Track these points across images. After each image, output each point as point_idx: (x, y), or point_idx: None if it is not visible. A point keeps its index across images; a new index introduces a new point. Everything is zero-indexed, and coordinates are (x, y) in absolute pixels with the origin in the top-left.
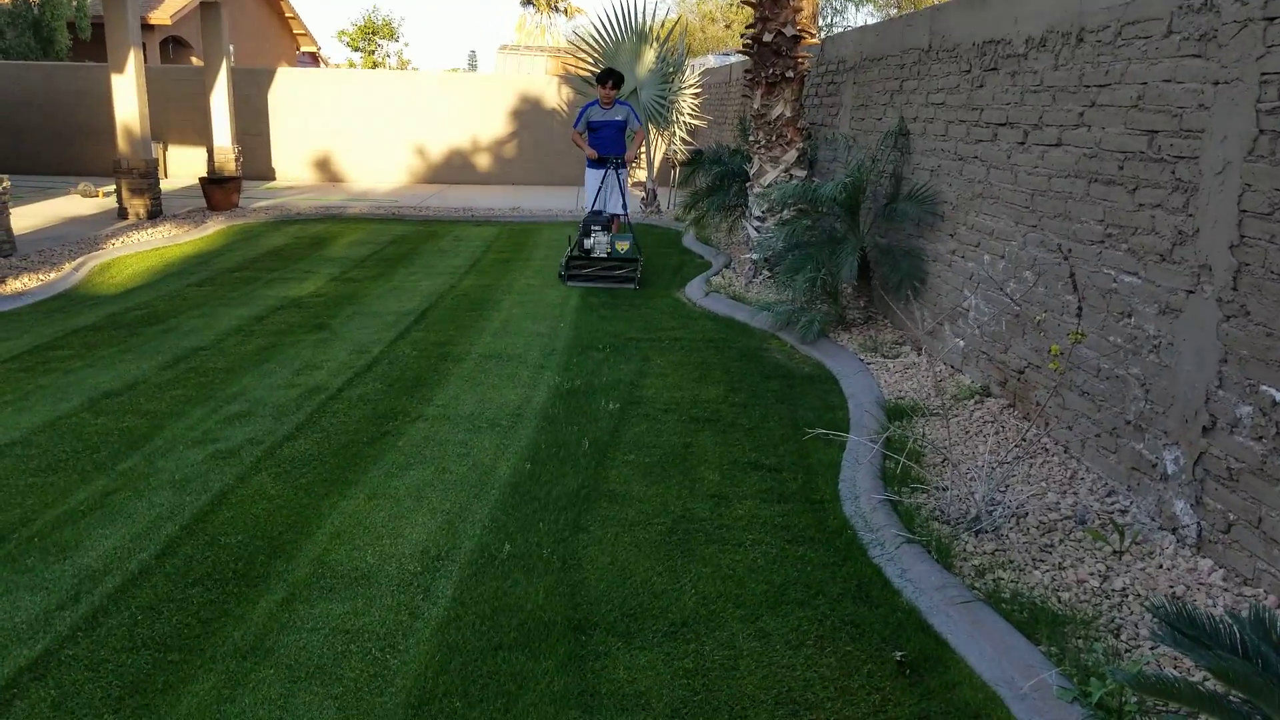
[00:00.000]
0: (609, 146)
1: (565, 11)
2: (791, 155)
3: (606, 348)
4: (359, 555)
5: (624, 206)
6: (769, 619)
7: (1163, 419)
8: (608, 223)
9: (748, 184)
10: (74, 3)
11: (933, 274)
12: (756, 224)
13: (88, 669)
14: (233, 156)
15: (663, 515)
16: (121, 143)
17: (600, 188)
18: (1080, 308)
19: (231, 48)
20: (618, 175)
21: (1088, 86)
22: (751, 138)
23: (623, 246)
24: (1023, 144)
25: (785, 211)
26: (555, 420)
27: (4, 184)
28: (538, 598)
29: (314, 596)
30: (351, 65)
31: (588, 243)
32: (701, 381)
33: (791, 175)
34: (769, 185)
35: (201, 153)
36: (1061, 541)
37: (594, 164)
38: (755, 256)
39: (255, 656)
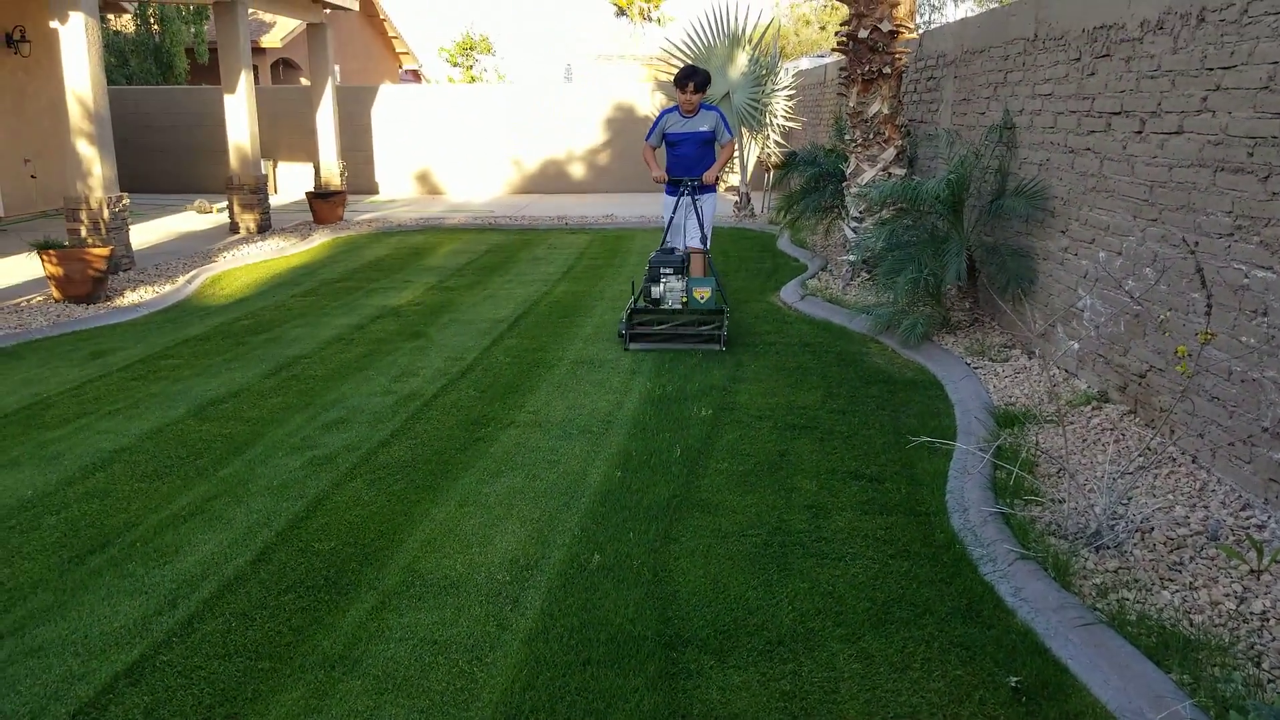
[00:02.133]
0: (690, 164)
1: (659, 21)
2: (890, 153)
3: (699, 353)
4: (448, 564)
5: (705, 240)
6: (871, 639)
7: None
8: (683, 264)
9: (844, 184)
10: (192, 30)
11: (1043, 273)
12: (854, 225)
13: (181, 675)
14: (337, 171)
15: (757, 527)
16: (233, 160)
17: (672, 217)
18: (1209, 305)
19: (337, 68)
20: (695, 202)
21: (1211, 69)
22: (848, 136)
23: (703, 295)
24: (1139, 133)
25: (884, 211)
26: (646, 427)
27: (124, 201)
28: (628, 611)
29: (403, 606)
30: (451, 81)
31: (656, 291)
32: (797, 387)
33: (890, 174)
34: (866, 184)
35: (308, 169)
36: (1192, 559)
37: (670, 188)
38: (853, 258)
39: (344, 667)
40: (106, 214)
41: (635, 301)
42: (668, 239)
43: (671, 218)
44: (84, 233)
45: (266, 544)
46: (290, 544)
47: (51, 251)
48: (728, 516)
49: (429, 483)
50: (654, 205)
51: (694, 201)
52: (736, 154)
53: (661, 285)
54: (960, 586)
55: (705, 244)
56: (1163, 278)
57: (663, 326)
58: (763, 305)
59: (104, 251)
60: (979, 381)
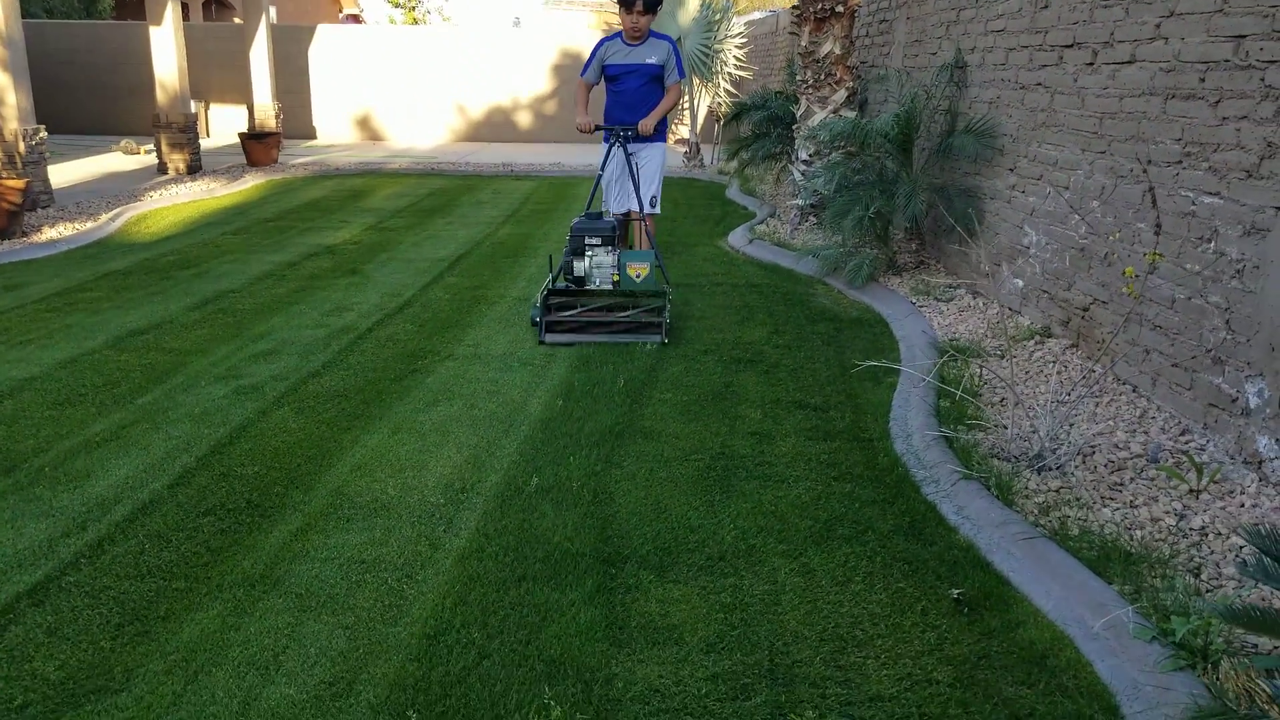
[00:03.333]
0: (633, 105)
1: None
2: (840, 95)
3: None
4: (379, 487)
5: (650, 203)
6: (814, 554)
7: (1245, 349)
8: (614, 233)
9: (794, 126)
10: None
11: (990, 212)
12: (803, 168)
13: (88, 595)
14: (273, 113)
15: (700, 452)
16: (160, 97)
17: (605, 173)
18: (1158, 226)
19: (273, 8)
20: (628, 157)
21: None
22: (799, 77)
23: (638, 272)
24: (1091, 64)
25: (833, 154)
26: (590, 360)
27: (41, 134)
28: (566, 530)
29: (330, 527)
30: (392, 22)
31: (579, 267)
32: (743, 324)
33: (840, 116)
34: (817, 126)
35: (242, 111)
36: (1133, 480)
37: (606, 136)
38: (801, 202)
39: (264, 585)
40: (22, 146)
41: (553, 281)
42: (592, 200)
43: (600, 174)
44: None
45: (185, 469)
46: (211, 469)
47: None
48: (671, 443)
49: (361, 411)
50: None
51: (627, 156)
52: (686, 104)
53: (586, 260)
54: (903, 506)
55: (650, 208)
56: (1108, 211)
57: (586, 312)
58: (710, 249)
59: (19, 184)
60: (924, 319)
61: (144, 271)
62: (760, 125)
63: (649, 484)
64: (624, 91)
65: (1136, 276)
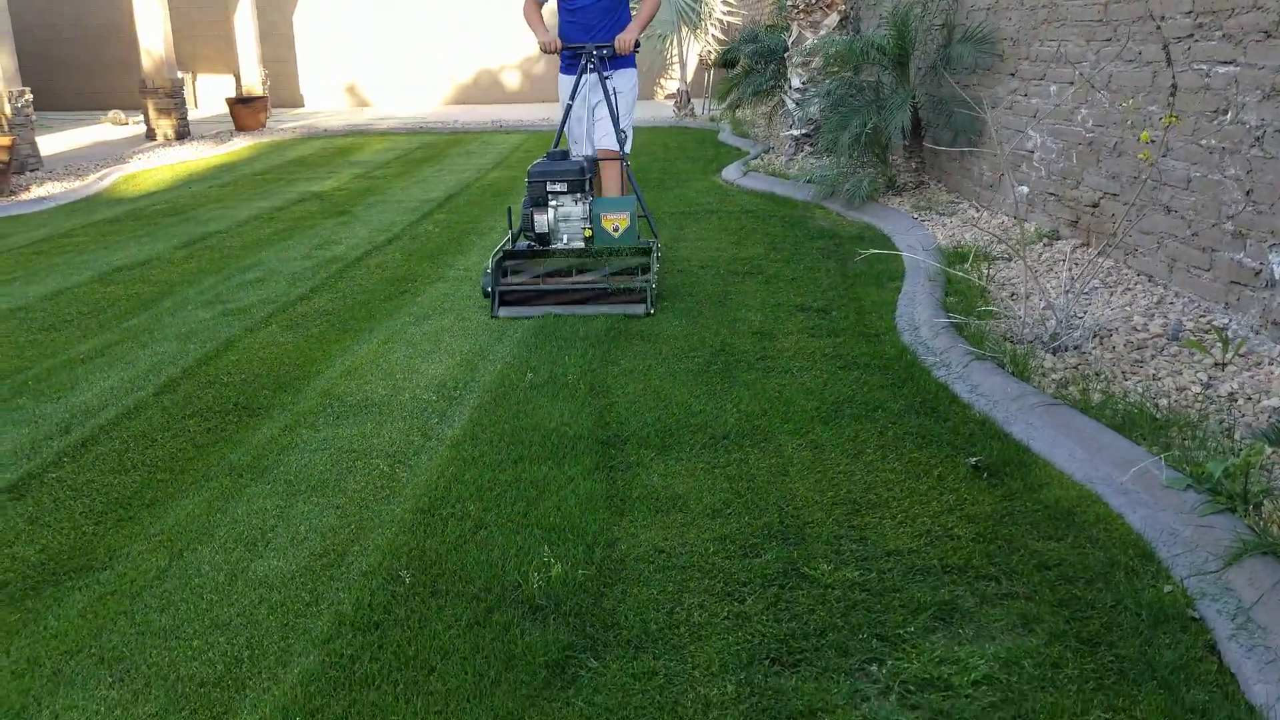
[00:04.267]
0: (592, 24)
1: None
2: (833, 18)
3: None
4: (370, 389)
5: (622, 139)
6: (821, 431)
7: (1268, 218)
8: (584, 177)
9: (786, 54)
10: None
11: (990, 122)
12: (796, 96)
13: (70, 489)
14: (259, 80)
15: (700, 350)
16: (146, 63)
17: (570, 104)
18: (1174, 85)
19: None
20: (604, 80)
21: None
22: (789, 3)
23: (617, 225)
24: None
25: (827, 81)
26: None
27: (27, 95)
28: (563, 417)
29: (319, 423)
30: None
31: (541, 221)
32: (740, 244)
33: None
34: (810, 50)
35: (228, 80)
36: (1154, 357)
37: (565, 63)
38: (796, 132)
39: (251, 474)
40: (7, 108)
41: (512, 240)
42: (560, 137)
43: (569, 105)
44: None
45: (171, 379)
46: (197, 378)
47: None
48: (669, 343)
49: (350, 326)
50: None
51: (603, 80)
52: (675, 54)
53: (550, 213)
54: (913, 389)
55: (623, 145)
56: (1115, 100)
57: (551, 278)
58: (703, 184)
59: (5, 141)
60: (926, 231)
61: (131, 219)
62: (752, 60)
63: (647, 378)
64: (581, 9)
65: (1152, 142)
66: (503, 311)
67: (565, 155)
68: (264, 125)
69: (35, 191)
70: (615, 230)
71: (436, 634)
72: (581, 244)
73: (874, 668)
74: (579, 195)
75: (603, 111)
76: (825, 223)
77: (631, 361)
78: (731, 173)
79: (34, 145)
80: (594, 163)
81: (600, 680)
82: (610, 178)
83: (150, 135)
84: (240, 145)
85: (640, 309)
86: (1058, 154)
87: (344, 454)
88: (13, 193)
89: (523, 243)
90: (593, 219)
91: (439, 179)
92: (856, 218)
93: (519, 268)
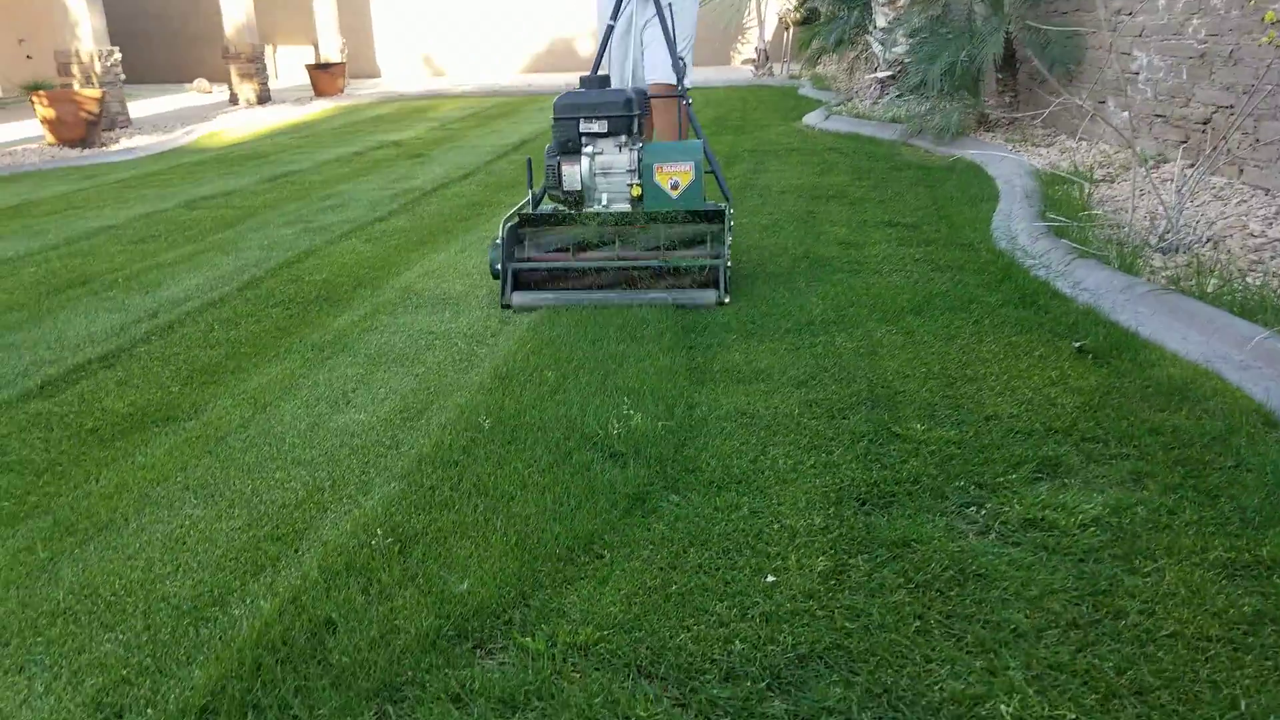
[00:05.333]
0: None
1: None
2: None
3: (719, 158)
4: (448, 286)
5: (681, 68)
6: (913, 320)
7: None
8: (630, 111)
9: None
10: None
11: (1090, 47)
12: (881, 36)
13: (158, 360)
14: (337, 49)
15: (783, 256)
16: (229, 29)
17: (612, 25)
18: None
19: None
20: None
21: None
22: None
23: (677, 180)
24: None
25: (916, 18)
26: None
27: (115, 55)
28: (641, 313)
29: (399, 312)
30: None
31: (572, 175)
32: (824, 174)
33: None
34: None
35: (308, 51)
36: (1274, 258)
37: None
38: (881, 74)
39: (333, 350)
40: (98, 67)
41: (534, 202)
42: (603, 65)
43: (610, 26)
44: (76, 86)
45: (255, 278)
46: (280, 277)
47: (42, 93)
48: (750, 252)
49: (427, 240)
50: None
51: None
52: (754, 15)
53: (585, 162)
54: (1011, 286)
55: (682, 78)
56: (1230, 4)
57: (585, 251)
58: (784, 129)
59: (96, 94)
60: (1021, 159)
61: (215, 162)
62: (834, 5)
63: (729, 276)
64: None
65: (1277, 22)
66: (517, 298)
67: (605, 82)
68: (342, 91)
69: (124, 143)
70: (674, 188)
71: (516, 470)
72: (627, 205)
73: (972, 510)
74: (624, 139)
75: (655, 34)
76: (912, 157)
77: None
78: (813, 118)
79: (123, 103)
80: (643, 96)
81: (681, 510)
82: (665, 121)
83: (233, 100)
84: (320, 108)
85: (709, 296)
86: (1166, 71)
87: (423, 335)
88: (102, 144)
89: (547, 205)
90: (643, 172)
91: (514, 129)
92: (946, 152)
93: (541, 238)
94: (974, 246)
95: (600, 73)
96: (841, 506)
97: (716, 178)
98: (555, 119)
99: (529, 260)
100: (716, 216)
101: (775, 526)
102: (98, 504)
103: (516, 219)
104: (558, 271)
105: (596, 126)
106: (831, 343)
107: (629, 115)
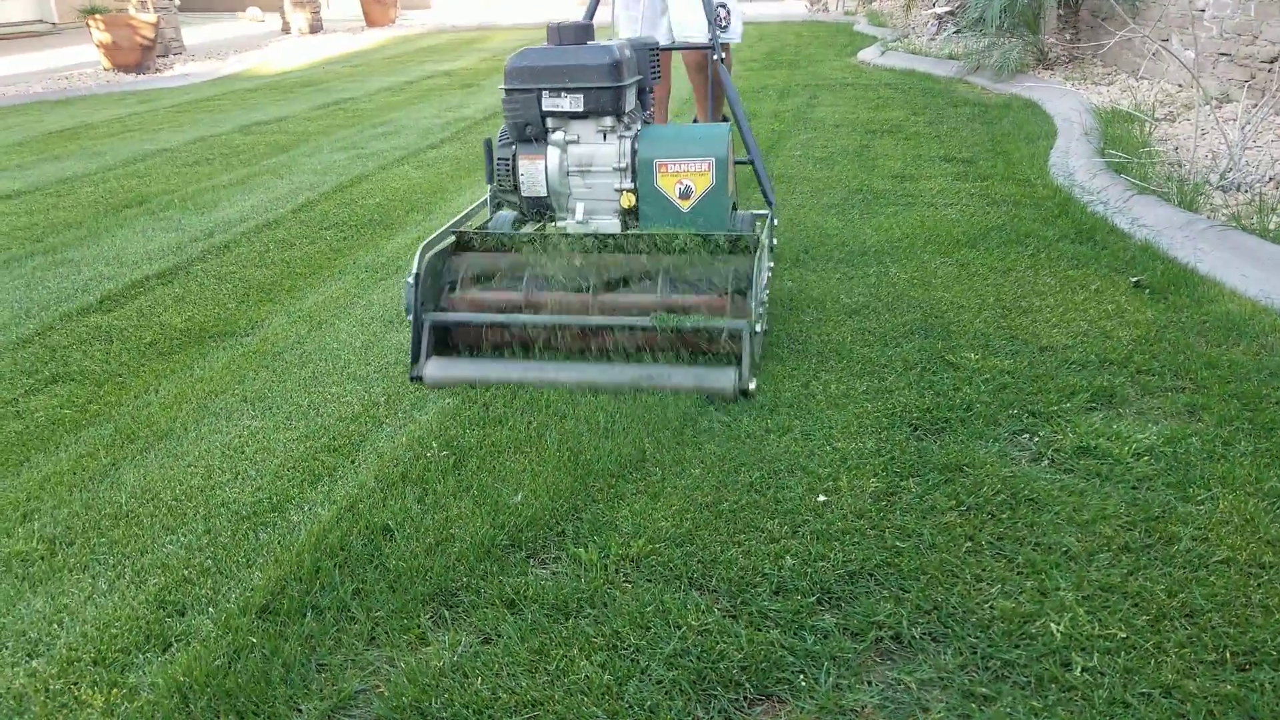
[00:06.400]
0: None
1: None
2: None
3: (769, 92)
4: None
5: (720, 19)
6: (968, 252)
7: None
8: (616, 81)
9: None
10: None
11: None
12: None
13: (215, 278)
14: None
15: (836, 189)
16: None
17: None
18: None
19: None
20: None
21: None
22: None
23: (683, 182)
24: None
25: None
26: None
27: None
28: None
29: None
30: None
31: (530, 172)
32: (878, 109)
33: None
34: None
35: None
36: None
37: None
38: (940, 9)
39: (386, 271)
40: None
41: (492, 207)
42: (619, 20)
43: None
44: (132, 11)
45: (308, 200)
46: (333, 200)
47: (99, 15)
48: (802, 184)
49: (478, 167)
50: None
51: None
52: None
53: (553, 155)
54: (1068, 221)
55: (720, 30)
56: None
57: (539, 297)
58: (838, 64)
59: (151, 19)
60: (1080, 97)
61: (268, 89)
62: None
63: (780, 209)
64: None
65: None
66: (433, 371)
67: (586, 33)
68: (394, 21)
69: (177, 69)
70: (684, 195)
71: (564, 395)
72: (615, 222)
73: (1024, 437)
74: (611, 122)
75: None
76: (969, 94)
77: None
78: (869, 54)
79: (177, 29)
80: (645, 55)
81: (732, 432)
82: (697, 91)
83: (285, 29)
84: (371, 38)
85: (723, 381)
86: (1233, 8)
87: None
88: (157, 70)
89: (508, 213)
90: (639, 171)
91: None
92: (1003, 89)
93: (481, 271)
94: (1030, 182)
95: (595, 23)
96: (893, 431)
97: (756, 172)
98: (506, 90)
99: (456, 310)
100: (743, 247)
101: (826, 449)
102: (157, 413)
103: (452, 239)
104: (499, 326)
105: (567, 103)
106: (885, 273)
107: (616, 85)
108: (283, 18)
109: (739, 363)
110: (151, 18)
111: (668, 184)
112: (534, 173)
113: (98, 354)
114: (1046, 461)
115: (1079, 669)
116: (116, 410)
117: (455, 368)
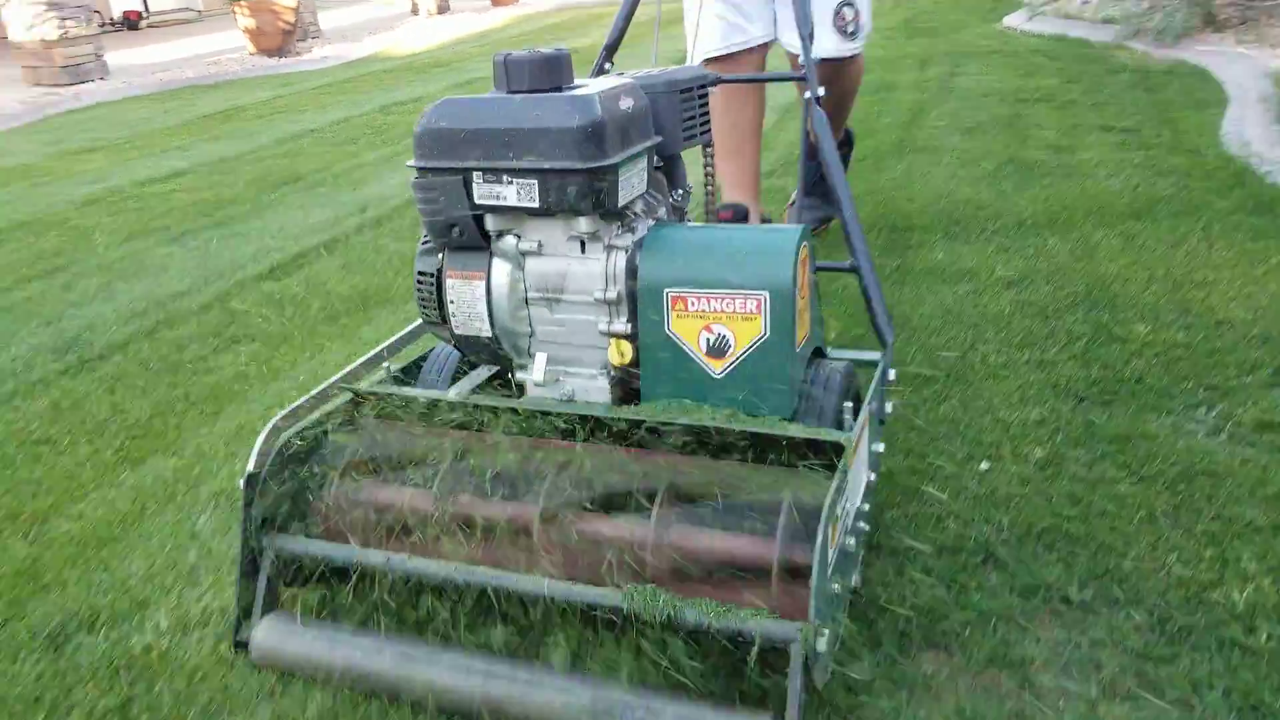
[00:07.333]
0: None
1: None
2: None
3: (909, 62)
4: None
5: (850, 25)
6: (1134, 224)
7: None
8: (602, 167)
9: None
10: None
11: None
12: None
13: (371, 249)
14: None
15: (987, 159)
16: None
17: None
18: None
19: None
20: None
21: None
22: None
23: (716, 332)
24: None
25: None
26: None
27: None
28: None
29: None
30: None
31: (468, 299)
32: (1029, 77)
33: None
34: None
35: None
36: None
37: None
38: None
39: None
40: None
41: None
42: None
43: None
44: None
45: None
46: None
47: (244, 2)
48: (950, 155)
49: None
50: None
51: None
52: None
53: (497, 271)
54: (1244, 193)
55: (846, 38)
56: None
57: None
58: (982, 30)
59: (292, 3)
60: (1253, 62)
61: (404, 70)
62: None
63: (926, 180)
64: None
65: None
66: (261, 636)
67: (556, 70)
68: (518, 0)
69: (316, 52)
70: (715, 349)
71: None
72: (602, 387)
73: (1200, 411)
74: (589, 220)
75: None
76: (1128, 60)
77: (907, 168)
78: (1015, 19)
79: (314, 13)
80: (689, 97)
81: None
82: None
83: (414, 10)
84: (498, 16)
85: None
86: None
87: None
88: (297, 54)
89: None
90: (641, 304)
91: None
92: (1166, 55)
93: (383, 452)
94: (1200, 152)
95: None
96: (1058, 402)
97: (864, 290)
98: (417, 169)
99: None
100: (824, 455)
101: (987, 418)
102: (332, 371)
103: (321, 422)
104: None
105: (513, 192)
106: (1044, 245)
107: (595, 165)
108: (412, 0)
109: (809, 670)
110: (292, 2)
111: (687, 330)
112: (470, 300)
113: (272, 316)
114: (1225, 435)
115: (1264, 635)
116: (296, 368)
117: (306, 637)
